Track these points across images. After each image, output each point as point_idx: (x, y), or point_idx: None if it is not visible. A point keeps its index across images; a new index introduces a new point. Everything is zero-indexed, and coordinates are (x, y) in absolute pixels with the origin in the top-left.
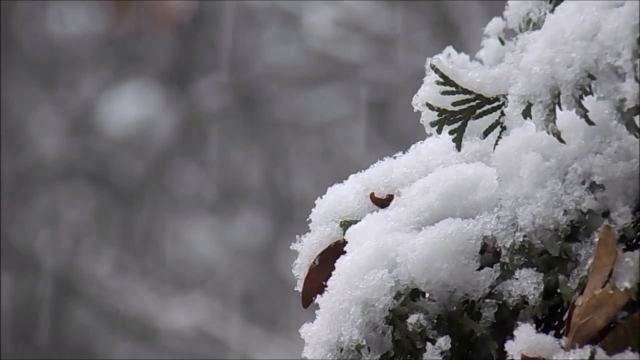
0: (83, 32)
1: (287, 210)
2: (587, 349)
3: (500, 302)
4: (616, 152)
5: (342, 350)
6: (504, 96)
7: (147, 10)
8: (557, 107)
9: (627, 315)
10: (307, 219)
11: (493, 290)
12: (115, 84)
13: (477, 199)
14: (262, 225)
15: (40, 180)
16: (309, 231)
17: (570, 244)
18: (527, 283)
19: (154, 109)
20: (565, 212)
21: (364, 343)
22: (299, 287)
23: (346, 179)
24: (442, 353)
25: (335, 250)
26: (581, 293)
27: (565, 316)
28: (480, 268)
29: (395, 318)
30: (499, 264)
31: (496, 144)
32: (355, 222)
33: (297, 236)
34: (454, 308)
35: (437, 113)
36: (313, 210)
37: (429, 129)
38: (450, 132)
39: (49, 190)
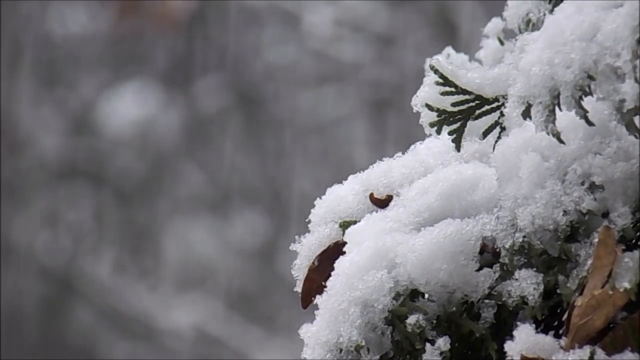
0: (83, 32)
1: (287, 210)
2: (587, 350)
3: (499, 302)
4: (616, 153)
5: (341, 350)
6: (504, 97)
7: (147, 10)
8: (556, 108)
9: (626, 316)
10: (307, 220)
11: (492, 291)
12: (115, 84)
13: (476, 199)
14: (262, 225)
15: (40, 180)
16: (309, 232)
17: (569, 245)
18: (526, 283)
19: (155, 109)
20: (565, 213)
21: (363, 344)
22: (299, 288)
23: (346, 179)
24: (441, 354)
25: (335, 250)
26: (581, 293)
27: (565, 316)
28: (480, 269)
29: (395, 319)
30: (498, 265)
31: (495, 144)
32: (355, 222)
33: (296, 237)
34: (454, 309)
35: (436, 114)
36: (312, 210)
37: (428, 130)
38: (450, 133)
39: (49, 190)
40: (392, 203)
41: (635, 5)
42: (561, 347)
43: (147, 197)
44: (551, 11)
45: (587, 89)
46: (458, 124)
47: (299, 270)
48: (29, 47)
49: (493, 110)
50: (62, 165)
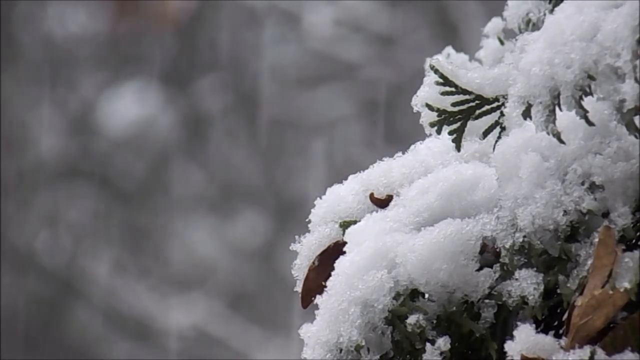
0: (83, 32)
1: (287, 210)
2: (587, 350)
3: (499, 302)
4: (616, 153)
5: (341, 350)
6: (504, 97)
7: (147, 10)
8: (556, 108)
9: (626, 316)
10: (307, 220)
11: (492, 291)
12: (115, 84)
13: (476, 199)
14: (262, 225)
15: (40, 180)
16: (309, 232)
17: (570, 245)
18: (526, 283)
19: (154, 109)
20: (565, 213)
21: (363, 343)
22: (299, 288)
23: (346, 179)
24: (441, 353)
25: (335, 250)
26: (581, 293)
27: (565, 316)
28: (480, 268)
29: (395, 318)
30: (498, 265)
31: (496, 144)
32: (355, 222)
33: (296, 237)
34: (454, 308)
35: (436, 113)
36: (312, 210)
37: (428, 130)
38: (450, 133)
39: (49, 190)
40: (392, 203)
41: (635, 5)
42: (561, 347)
43: (147, 197)
44: (551, 11)
45: (588, 89)
46: (458, 124)
47: (299, 270)
48: (29, 47)
49: (493, 110)
50: (62, 165)
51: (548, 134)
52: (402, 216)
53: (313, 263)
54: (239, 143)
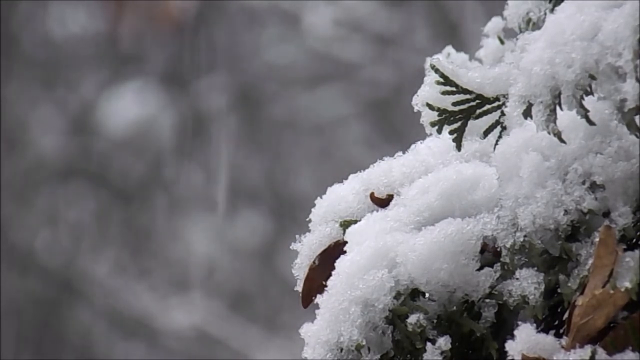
0: (83, 32)
1: (287, 210)
2: (588, 349)
3: (500, 302)
4: (616, 152)
5: (342, 350)
6: (504, 96)
7: (147, 10)
8: (557, 107)
9: (627, 315)
10: (307, 219)
11: (493, 290)
12: (115, 84)
13: (476, 198)
14: (262, 225)
15: (40, 180)
16: (309, 231)
17: (570, 244)
18: (527, 283)
19: (154, 109)
20: (566, 212)
21: (364, 343)
22: (299, 287)
23: (346, 179)
24: (442, 353)
25: (335, 250)
26: (581, 293)
27: (566, 316)
28: (481, 268)
29: (395, 318)
30: (499, 264)
31: (496, 143)
32: (355, 222)
33: (297, 236)
34: (454, 308)
35: (437, 113)
36: (313, 210)
37: (429, 129)
38: (450, 132)
39: (49, 190)
40: (392, 202)
41: (635, 5)
42: (562, 347)
43: (147, 197)
44: (552, 10)
45: (588, 89)
46: (459, 123)
47: (300, 269)
48: (29, 47)
49: (494, 109)
50: (62, 165)
51: (549, 133)
52: (402, 216)
53: (313, 262)
54: (238, 143)
